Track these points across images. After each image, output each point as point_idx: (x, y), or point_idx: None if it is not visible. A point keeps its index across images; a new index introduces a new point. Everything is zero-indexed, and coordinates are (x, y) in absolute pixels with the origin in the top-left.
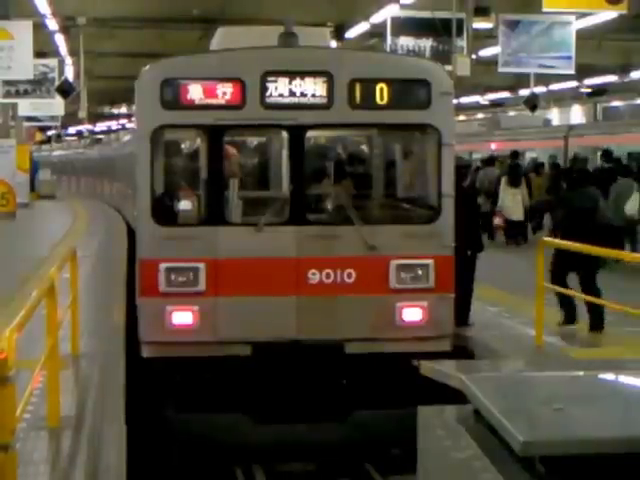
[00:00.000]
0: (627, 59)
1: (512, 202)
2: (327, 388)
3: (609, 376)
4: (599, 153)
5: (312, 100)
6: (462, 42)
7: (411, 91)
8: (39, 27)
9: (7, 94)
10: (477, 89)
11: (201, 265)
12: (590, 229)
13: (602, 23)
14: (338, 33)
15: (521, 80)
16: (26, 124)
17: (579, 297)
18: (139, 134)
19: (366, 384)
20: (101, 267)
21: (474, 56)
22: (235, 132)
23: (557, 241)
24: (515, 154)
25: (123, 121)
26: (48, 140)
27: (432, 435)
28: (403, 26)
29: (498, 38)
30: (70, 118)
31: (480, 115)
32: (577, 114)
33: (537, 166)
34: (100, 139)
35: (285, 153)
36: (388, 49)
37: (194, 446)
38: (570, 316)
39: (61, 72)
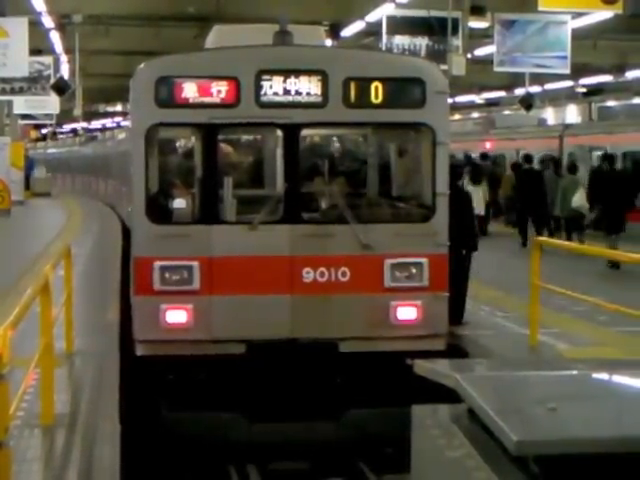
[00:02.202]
0: (622, 59)
1: (473, 198)
2: (321, 387)
3: (603, 376)
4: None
5: (307, 99)
6: (457, 41)
7: (406, 90)
8: (34, 24)
9: (2, 91)
10: (472, 88)
11: (195, 263)
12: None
13: (597, 23)
14: (333, 32)
15: (516, 79)
16: (21, 122)
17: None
18: (134, 132)
19: (360, 383)
20: (96, 265)
21: (469, 55)
22: (230, 130)
23: (552, 240)
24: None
25: (118, 119)
26: (43, 138)
27: (426, 434)
28: (399, 25)
29: (494, 37)
30: (65, 116)
31: (475, 114)
32: (572, 114)
33: (513, 165)
34: (95, 137)
35: (279, 152)
36: (383, 48)
37: (188, 445)
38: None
39: (56, 70)
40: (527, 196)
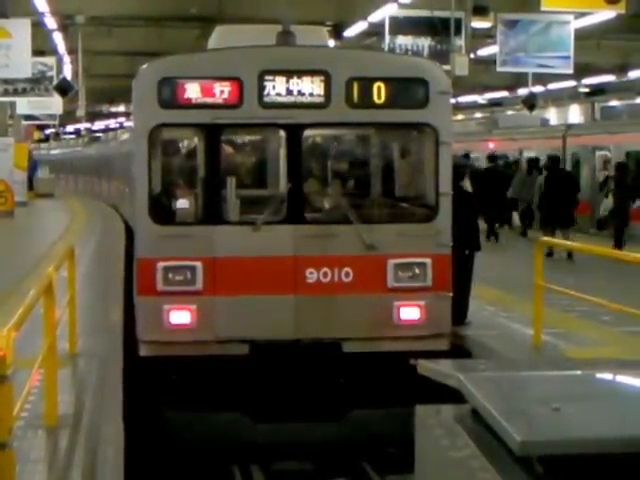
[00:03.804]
0: (625, 59)
1: None
2: (325, 387)
3: (607, 376)
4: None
5: (310, 99)
6: (460, 41)
7: (409, 90)
8: (37, 25)
9: (5, 92)
10: (475, 88)
11: (198, 264)
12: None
13: (600, 23)
14: (336, 32)
15: (519, 79)
16: (24, 122)
17: None
18: (137, 133)
19: (363, 383)
20: (99, 266)
21: (472, 55)
22: (232, 131)
23: (555, 240)
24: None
25: (121, 119)
26: (46, 139)
27: (429, 434)
28: (401, 25)
29: (496, 37)
30: (68, 116)
31: (478, 114)
32: (575, 114)
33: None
34: (98, 137)
35: (282, 152)
36: (386, 48)
37: (191, 445)
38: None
39: (59, 70)
40: (489, 194)
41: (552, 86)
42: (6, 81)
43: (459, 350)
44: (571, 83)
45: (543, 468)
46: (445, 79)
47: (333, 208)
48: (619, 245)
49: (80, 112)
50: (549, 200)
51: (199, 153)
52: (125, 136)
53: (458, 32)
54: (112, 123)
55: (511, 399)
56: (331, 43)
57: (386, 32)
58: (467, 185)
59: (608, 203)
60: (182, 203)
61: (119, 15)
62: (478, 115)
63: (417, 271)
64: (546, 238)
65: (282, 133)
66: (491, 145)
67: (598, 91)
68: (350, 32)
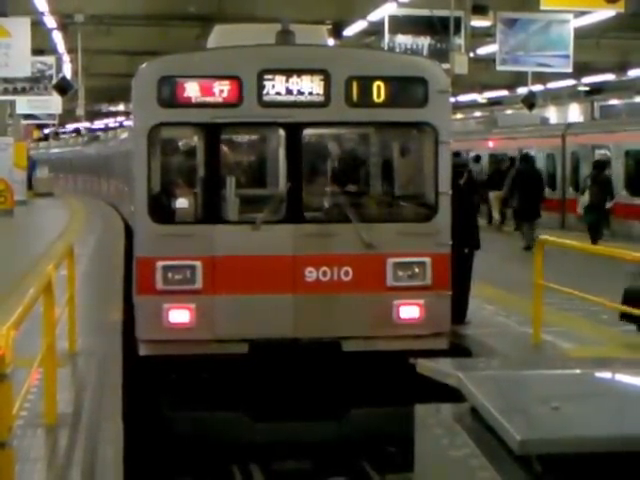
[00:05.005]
0: (624, 57)
1: None
2: (324, 386)
3: (606, 375)
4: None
5: (309, 98)
6: (460, 40)
7: (408, 89)
8: (37, 24)
9: (5, 91)
10: (475, 87)
11: (198, 263)
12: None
13: (599, 22)
14: (336, 31)
15: (519, 78)
16: (24, 122)
17: None
18: (136, 132)
19: (363, 382)
20: (98, 265)
21: (472, 54)
22: (232, 130)
23: (555, 240)
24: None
25: (121, 119)
26: (46, 138)
27: (429, 433)
28: (401, 24)
29: (496, 36)
30: (68, 115)
31: (478, 113)
32: (574, 112)
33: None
34: (98, 137)
35: (282, 151)
36: (386, 47)
37: (191, 444)
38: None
39: (59, 69)
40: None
41: (552, 85)
42: (6, 80)
43: (459, 349)
44: (570, 82)
45: (542, 467)
46: (444, 78)
47: (332, 207)
48: (594, 241)
49: (80, 111)
50: (519, 195)
51: (198, 152)
52: (124, 135)
53: (457, 31)
54: (112, 122)
55: (511, 398)
56: (330, 42)
57: (386, 31)
58: None
59: (585, 200)
60: (181, 202)
61: (118, 14)
62: (477, 114)
63: (416, 270)
64: (547, 237)
65: (281, 132)
66: (491, 144)
67: (598, 90)
68: (350, 31)
